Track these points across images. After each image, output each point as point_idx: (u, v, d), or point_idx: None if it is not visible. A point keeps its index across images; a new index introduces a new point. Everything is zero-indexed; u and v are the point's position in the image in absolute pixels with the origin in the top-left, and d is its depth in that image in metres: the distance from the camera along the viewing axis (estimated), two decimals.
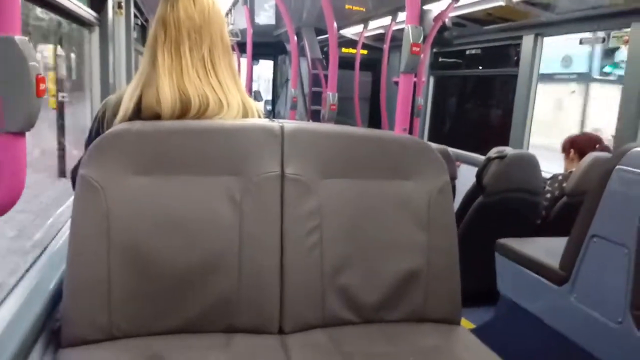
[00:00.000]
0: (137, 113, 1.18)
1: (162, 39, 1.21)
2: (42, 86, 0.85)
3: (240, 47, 7.59)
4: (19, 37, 0.82)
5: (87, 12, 2.21)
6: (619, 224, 1.54)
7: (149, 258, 1.10)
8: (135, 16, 3.67)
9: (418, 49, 2.28)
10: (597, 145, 2.85)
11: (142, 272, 1.09)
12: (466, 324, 2.30)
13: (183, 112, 1.18)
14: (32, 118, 0.86)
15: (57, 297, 1.08)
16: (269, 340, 1.13)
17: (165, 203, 1.12)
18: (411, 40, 2.28)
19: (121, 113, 1.17)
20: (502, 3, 3.91)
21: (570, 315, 1.68)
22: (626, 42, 3.35)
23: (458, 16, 4.71)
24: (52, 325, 1.07)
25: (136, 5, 3.55)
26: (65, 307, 1.06)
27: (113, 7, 2.64)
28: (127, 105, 1.17)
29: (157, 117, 1.17)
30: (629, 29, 3.26)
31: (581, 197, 2.02)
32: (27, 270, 1.17)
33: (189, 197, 1.14)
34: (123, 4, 3.14)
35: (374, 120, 7.58)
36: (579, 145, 2.88)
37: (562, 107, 9.00)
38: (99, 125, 1.24)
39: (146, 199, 1.11)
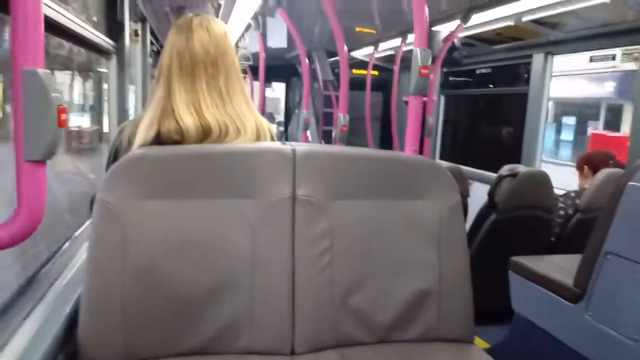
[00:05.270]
0: (157, 143, 1.20)
1: (178, 71, 1.24)
2: (63, 116, 0.88)
3: (253, 71, 7.70)
4: (42, 70, 0.86)
5: (105, 42, 2.28)
6: (633, 241, 1.53)
7: (164, 281, 1.12)
8: (151, 43, 3.76)
9: (427, 71, 2.31)
10: (611, 162, 2.83)
11: (157, 295, 1.11)
12: (481, 343, 2.28)
13: (204, 139, 1.21)
14: (52, 147, 0.89)
15: (73, 320, 1.10)
16: None
17: (180, 226, 1.15)
18: (420, 63, 2.31)
19: (139, 143, 1.20)
20: (511, 23, 3.94)
21: (586, 333, 1.65)
22: (636, 58, 3.35)
23: (467, 36, 4.75)
24: (68, 349, 1.08)
25: (152, 33, 3.64)
26: (82, 331, 1.07)
27: (130, 36, 2.72)
28: (144, 135, 1.19)
29: (177, 144, 1.21)
30: (639, 46, 3.27)
31: (595, 214, 2.01)
32: (44, 294, 1.18)
33: (203, 220, 1.16)
34: (139, 32, 3.24)
35: (386, 140, 7.60)
36: (592, 161, 2.87)
37: None
38: (117, 152, 1.28)
39: (161, 223, 1.14)
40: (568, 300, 1.74)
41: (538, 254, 2.14)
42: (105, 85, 2.71)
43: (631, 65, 3.49)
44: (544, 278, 1.88)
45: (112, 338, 1.08)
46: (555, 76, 3.99)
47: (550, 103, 4.17)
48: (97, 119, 3.01)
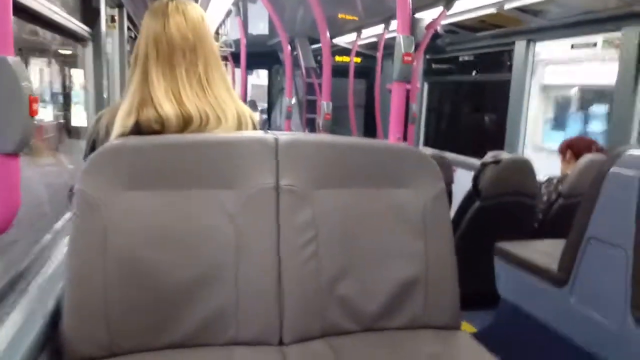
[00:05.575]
0: (136, 133, 1.16)
1: (155, 57, 1.19)
2: (35, 106, 0.85)
3: (234, 58, 7.61)
4: (11, 58, 0.82)
5: (80, 28, 2.22)
6: (615, 226, 1.55)
7: (147, 272, 1.09)
8: (128, 29, 3.68)
9: (410, 58, 2.30)
10: (593, 147, 2.86)
11: (140, 286, 1.09)
12: (468, 327, 2.30)
13: (184, 128, 1.18)
14: (25, 138, 0.85)
15: (57, 314, 1.07)
16: (270, 352, 1.13)
17: (162, 217, 1.12)
18: (403, 50, 2.30)
19: (117, 132, 1.15)
20: (494, 10, 3.94)
21: (570, 317, 1.68)
22: (617, 46, 3.38)
23: (450, 24, 4.74)
24: (52, 345, 1.06)
25: (129, 19, 3.56)
26: (66, 325, 1.05)
27: (106, 22, 2.65)
28: (123, 123, 1.15)
29: (157, 134, 1.17)
30: (619, 33, 3.29)
31: (577, 199, 2.03)
32: (27, 289, 1.16)
33: (185, 211, 1.14)
34: (116, 18, 3.16)
35: (369, 128, 7.60)
36: (575, 147, 2.90)
37: None
38: (94, 142, 1.24)
39: (143, 214, 1.11)
40: (553, 285, 1.76)
41: (522, 240, 2.16)
42: (74, 71, 2.62)
43: (612, 53, 3.51)
44: (528, 263, 1.90)
45: (96, 332, 1.06)
46: (579, 61, 3.97)
47: (574, 90, 4.16)
48: (64, 110, 2.89)
